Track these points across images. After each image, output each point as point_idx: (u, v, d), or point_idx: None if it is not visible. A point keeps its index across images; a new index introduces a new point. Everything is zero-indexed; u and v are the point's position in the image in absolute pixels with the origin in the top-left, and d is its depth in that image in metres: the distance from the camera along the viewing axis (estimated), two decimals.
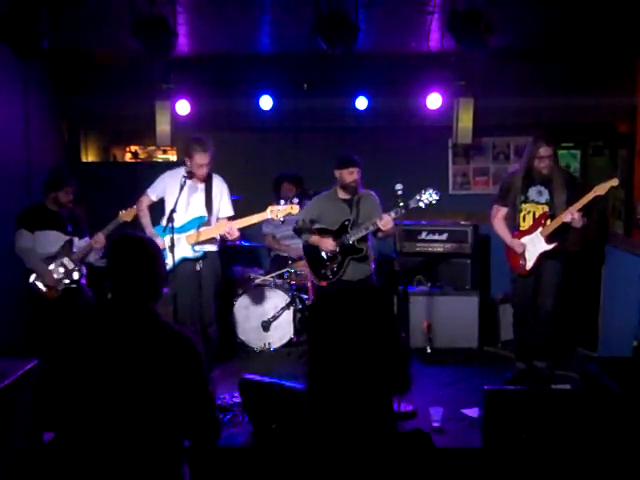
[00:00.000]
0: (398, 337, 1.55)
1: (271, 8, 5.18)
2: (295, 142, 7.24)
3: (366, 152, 6.83)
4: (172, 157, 8.56)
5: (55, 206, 5.22)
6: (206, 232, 5.03)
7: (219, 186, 5.15)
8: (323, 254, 5.27)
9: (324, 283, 5.32)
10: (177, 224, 4.84)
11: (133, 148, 8.78)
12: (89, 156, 7.83)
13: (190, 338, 2.42)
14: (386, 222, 4.91)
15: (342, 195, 5.27)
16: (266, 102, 6.75)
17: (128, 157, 8.79)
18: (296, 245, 6.68)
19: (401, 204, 4.83)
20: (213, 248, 5.17)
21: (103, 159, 8.30)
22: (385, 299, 1.59)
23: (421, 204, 4.98)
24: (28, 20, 4.30)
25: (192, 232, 5.02)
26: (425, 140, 7.22)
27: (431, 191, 4.99)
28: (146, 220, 5.19)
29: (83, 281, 5.36)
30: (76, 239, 5.31)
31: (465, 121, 6.42)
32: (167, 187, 5.05)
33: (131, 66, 6.23)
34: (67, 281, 5.20)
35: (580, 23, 5.50)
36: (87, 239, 5.35)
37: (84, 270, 5.39)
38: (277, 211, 4.94)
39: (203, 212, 5.08)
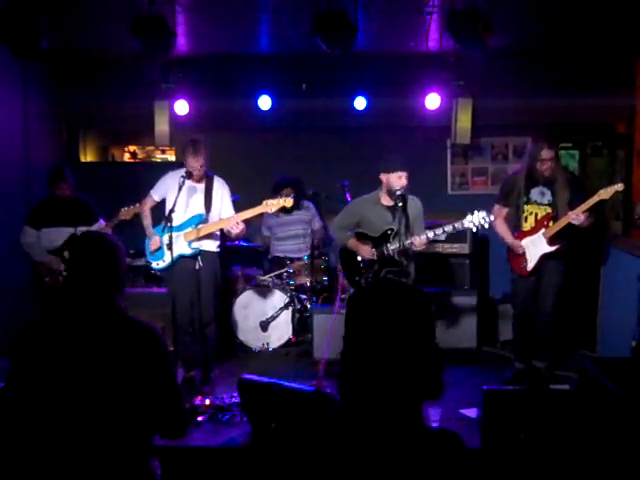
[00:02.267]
0: (434, 340, 1.51)
1: (270, 8, 5.18)
2: (294, 142, 7.24)
3: (365, 152, 6.87)
4: (171, 157, 8.56)
5: (58, 199, 5.50)
6: (210, 226, 5.08)
7: (220, 188, 5.19)
8: (359, 260, 5.08)
9: None
10: (176, 223, 4.89)
11: (132, 148, 8.77)
12: (88, 156, 7.83)
13: (155, 331, 2.47)
14: (420, 243, 4.75)
15: (385, 201, 5.00)
16: (265, 102, 6.76)
17: (127, 157, 8.79)
18: (296, 247, 6.70)
19: (400, 203, 4.76)
20: (212, 248, 5.18)
21: (102, 159, 8.30)
22: (425, 300, 1.54)
23: (471, 225, 4.71)
24: (27, 20, 4.30)
25: (189, 229, 5.07)
26: (424, 140, 7.22)
27: (485, 214, 4.69)
28: (147, 221, 5.24)
29: None
30: (84, 228, 5.41)
31: (464, 121, 6.42)
32: (168, 188, 5.10)
33: (130, 66, 6.22)
34: (65, 273, 5.29)
35: (579, 23, 5.51)
36: (101, 223, 5.59)
37: None
38: (272, 205, 4.98)
39: (202, 210, 5.11)
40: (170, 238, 4.70)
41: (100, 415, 2.32)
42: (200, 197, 5.12)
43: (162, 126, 6.48)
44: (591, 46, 6.16)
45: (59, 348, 2.37)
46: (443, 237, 4.84)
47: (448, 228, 4.80)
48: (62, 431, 2.32)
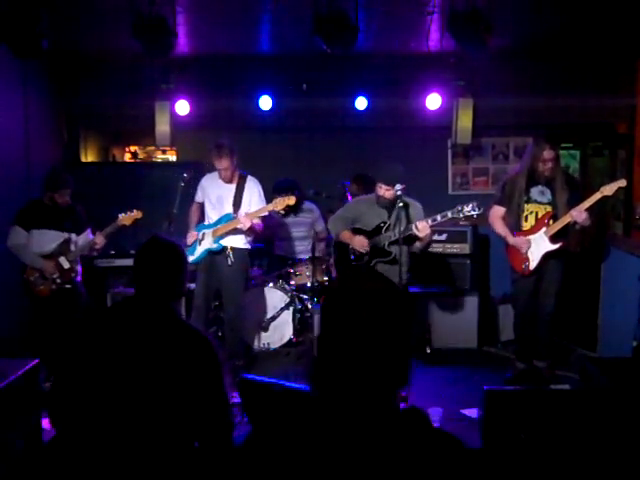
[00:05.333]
0: (408, 332, 1.55)
1: (271, 8, 5.18)
2: (294, 142, 7.24)
3: (365, 152, 6.88)
4: (171, 157, 8.55)
5: (52, 203, 5.25)
6: (225, 225, 5.41)
7: (250, 188, 5.51)
8: (351, 254, 5.16)
9: None
10: (212, 220, 5.51)
11: (132, 148, 8.77)
12: (88, 156, 7.83)
13: (208, 339, 2.45)
14: (423, 227, 4.70)
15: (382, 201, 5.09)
16: (265, 102, 6.75)
17: (127, 157, 8.79)
18: (297, 248, 6.70)
19: (400, 203, 4.76)
20: (239, 244, 5.50)
21: (102, 159, 8.29)
22: (399, 292, 1.59)
23: (461, 215, 4.74)
24: (28, 20, 4.30)
25: (219, 227, 5.45)
26: (424, 140, 7.22)
27: (473, 204, 4.69)
28: (191, 220, 5.65)
29: (79, 279, 5.41)
30: (74, 235, 5.34)
31: (464, 121, 6.42)
32: (205, 189, 5.56)
33: (131, 66, 6.22)
34: (60, 281, 5.23)
35: (580, 24, 5.51)
36: (88, 235, 5.41)
37: (79, 268, 5.43)
38: (277, 203, 5.35)
39: (230, 210, 5.45)
40: (202, 235, 5.45)
41: (145, 417, 2.30)
42: (230, 197, 5.46)
43: (163, 126, 6.48)
44: (592, 46, 6.16)
45: (112, 349, 2.36)
46: (440, 220, 4.82)
47: (442, 217, 4.77)
48: (106, 431, 2.30)
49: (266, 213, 5.46)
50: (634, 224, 6.14)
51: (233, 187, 5.49)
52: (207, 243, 5.47)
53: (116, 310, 2.51)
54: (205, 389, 2.38)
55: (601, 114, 6.80)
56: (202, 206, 5.64)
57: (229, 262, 5.41)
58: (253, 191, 5.52)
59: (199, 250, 5.46)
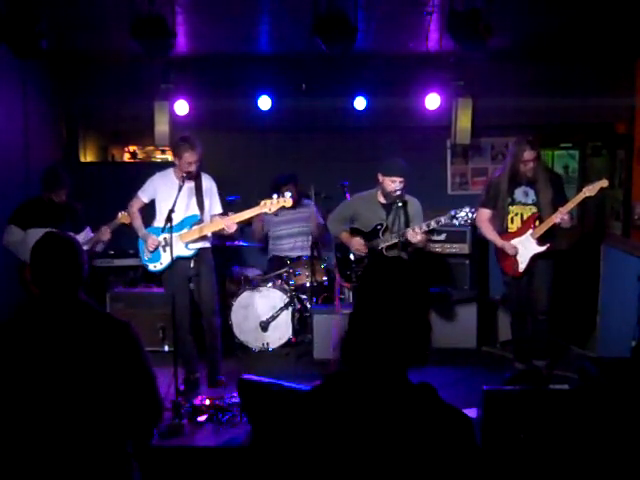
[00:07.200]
0: (427, 315, 1.79)
1: (270, 8, 5.18)
2: (293, 142, 7.24)
3: (364, 152, 6.87)
4: (170, 157, 8.54)
5: (50, 202, 5.30)
6: (204, 228, 5.09)
7: (208, 184, 5.19)
8: (351, 255, 5.16)
9: (347, 285, 5.23)
10: (160, 223, 4.92)
11: (132, 148, 8.77)
12: (87, 156, 7.83)
13: (126, 323, 2.51)
14: (413, 235, 4.78)
15: (381, 199, 5.12)
16: (265, 102, 6.75)
17: (127, 157, 8.78)
18: (296, 244, 6.68)
19: (399, 203, 4.78)
20: (206, 245, 5.22)
21: (102, 159, 8.29)
22: (423, 280, 1.80)
23: (455, 221, 4.81)
24: (27, 20, 4.31)
25: (185, 230, 5.08)
26: (424, 140, 7.22)
27: (467, 209, 4.80)
28: (138, 222, 5.22)
29: None
30: (71, 234, 5.31)
31: (464, 121, 6.42)
32: (157, 188, 5.12)
33: (130, 66, 6.23)
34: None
35: (579, 24, 5.51)
36: (88, 233, 5.40)
37: None
38: (270, 205, 4.98)
39: (195, 211, 5.12)
40: (170, 239, 4.73)
41: (77, 411, 2.33)
42: (192, 196, 5.12)
43: (162, 126, 6.48)
44: (591, 46, 6.16)
45: (28, 345, 2.39)
46: (435, 225, 4.84)
47: (436, 222, 4.81)
48: (34, 429, 2.33)
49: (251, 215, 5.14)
50: (633, 224, 6.14)
51: (192, 186, 5.08)
52: (178, 249, 4.92)
53: (28, 311, 2.54)
54: (130, 372, 2.43)
55: (600, 114, 6.80)
56: (141, 205, 5.22)
57: (192, 264, 5.04)
58: (211, 188, 5.18)
59: (166, 257, 4.93)
